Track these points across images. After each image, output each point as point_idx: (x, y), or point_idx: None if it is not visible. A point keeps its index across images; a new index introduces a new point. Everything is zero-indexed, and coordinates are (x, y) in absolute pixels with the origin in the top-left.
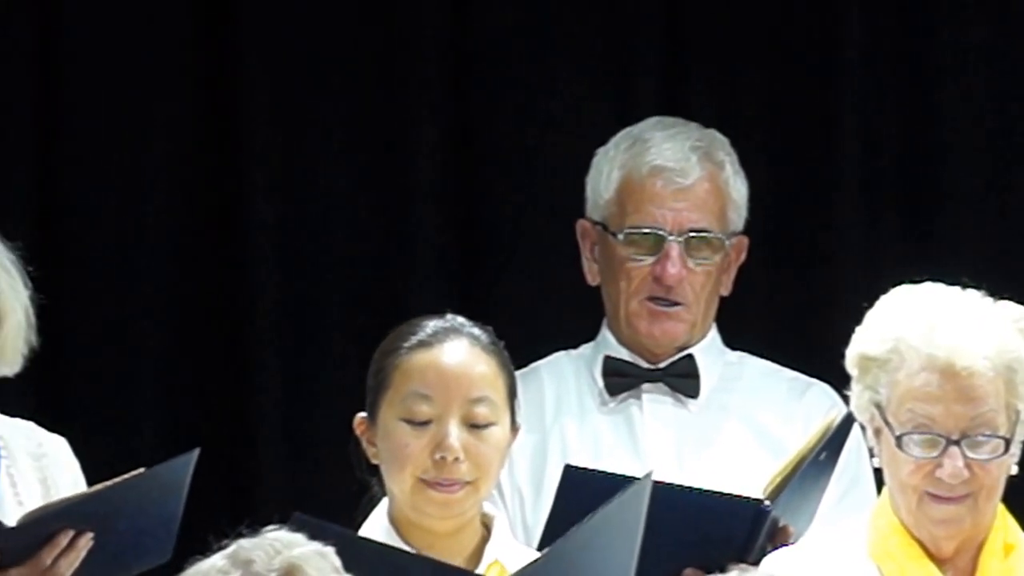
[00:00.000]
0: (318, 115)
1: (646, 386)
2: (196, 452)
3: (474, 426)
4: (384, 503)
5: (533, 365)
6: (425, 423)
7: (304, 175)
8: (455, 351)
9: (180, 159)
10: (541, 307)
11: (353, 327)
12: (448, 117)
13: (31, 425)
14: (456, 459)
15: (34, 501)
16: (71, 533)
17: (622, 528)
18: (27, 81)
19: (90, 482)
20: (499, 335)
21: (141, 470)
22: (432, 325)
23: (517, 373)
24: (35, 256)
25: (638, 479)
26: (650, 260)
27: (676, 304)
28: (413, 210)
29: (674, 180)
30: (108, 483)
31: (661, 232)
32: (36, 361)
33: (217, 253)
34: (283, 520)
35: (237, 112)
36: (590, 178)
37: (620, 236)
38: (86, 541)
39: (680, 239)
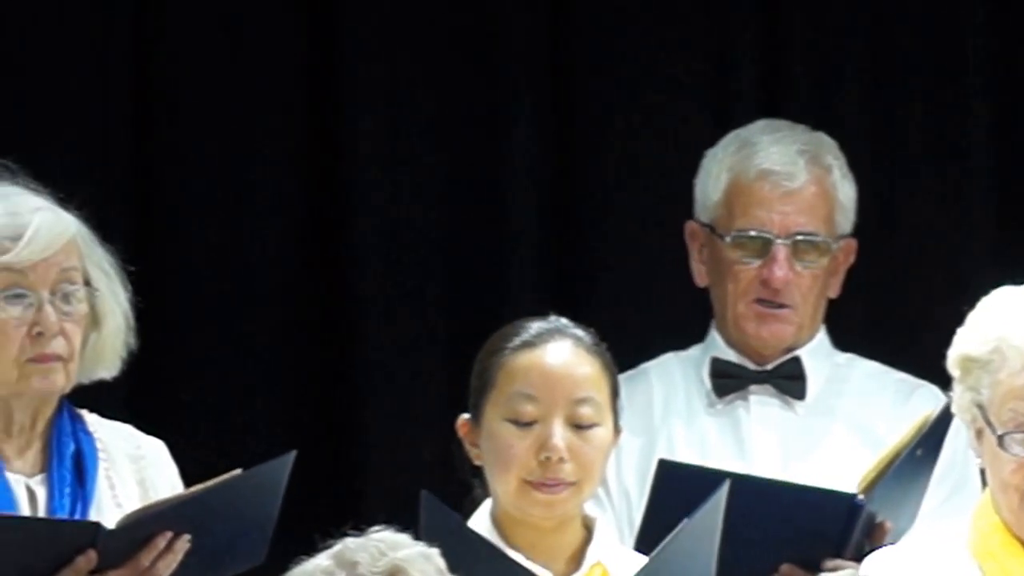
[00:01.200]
0: (418, 115)
1: (753, 388)
2: (293, 454)
3: (578, 427)
4: (487, 504)
5: (642, 366)
6: (529, 423)
7: (405, 177)
8: (559, 351)
9: (282, 159)
10: (650, 308)
11: (455, 329)
12: (551, 117)
13: (130, 428)
14: (560, 459)
15: (132, 503)
16: (169, 535)
17: (708, 532)
18: (126, 82)
19: (188, 486)
20: (606, 336)
21: (238, 471)
22: (536, 326)
23: (625, 374)
24: (135, 258)
25: (732, 474)
26: (757, 263)
27: (783, 306)
28: (517, 212)
29: (781, 184)
30: (205, 485)
31: (768, 235)
32: (136, 364)
33: (319, 254)
34: (388, 521)
35: (339, 111)
36: (698, 180)
37: (728, 239)
38: (183, 543)
39: (787, 242)
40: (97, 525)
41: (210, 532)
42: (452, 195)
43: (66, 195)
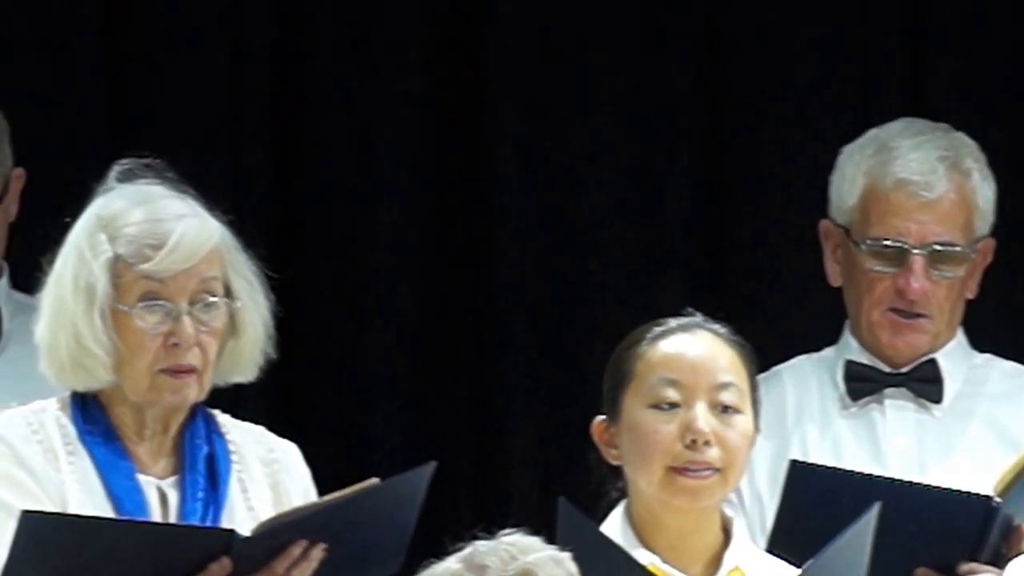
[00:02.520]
0: (563, 119)
1: (888, 391)
2: (433, 465)
3: (722, 411)
4: (621, 506)
5: (775, 369)
6: (673, 407)
7: (547, 180)
8: (699, 339)
9: (419, 165)
10: (782, 308)
11: (597, 330)
12: (694, 115)
13: (263, 431)
14: (706, 442)
15: (264, 507)
16: (304, 543)
17: (858, 549)
18: (265, 88)
19: (322, 491)
20: (744, 334)
21: (375, 480)
22: (673, 321)
23: (758, 377)
24: (274, 266)
25: (865, 476)
26: (893, 271)
27: (919, 316)
28: (659, 212)
29: (920, 194)
30: (343, 493)
31: (905, 245)
32: (272, 368)
33: (457, 259)
34: (518, 524)
35: (482, 111)
36: (834, 179)
37: (863, 246)
38: (319, 552)
39: (924, 252)
40: (232, 532)
41: (346, 541)
42: (595, 197)
43: (210, 201)
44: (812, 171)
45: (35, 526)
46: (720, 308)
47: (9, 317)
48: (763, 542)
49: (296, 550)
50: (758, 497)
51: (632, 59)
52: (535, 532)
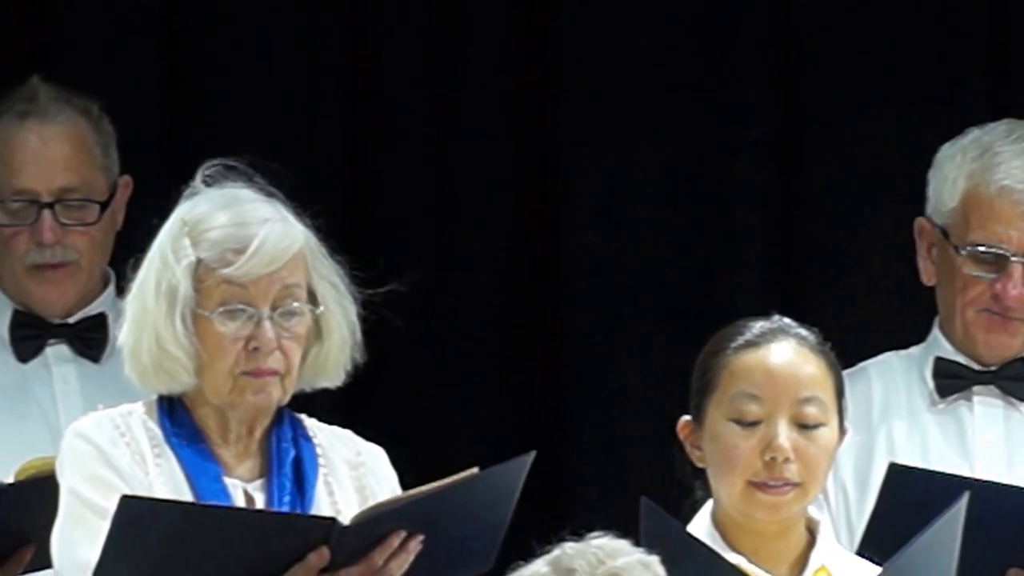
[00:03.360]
0: (635, 117)
1: (977, 388)
2: (532, 455)
3: (803, 426)
4: (707, 507)
5: (861, 364)
6: (754, 423)
7: (623, 181)
8: (783, 351)
9: (496, 167)
10: (870, 304)
11: (674, 329)
12: (773, 105)
13: (349, 434)
14: (786, 460)
15: (351, 510)
16: (403, 534)
17: (946, 544)
18: (340, 94)
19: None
20: (825, 332)
21: (475, 470)
22: (759, 326)
23: (844, 372)
24: (359, 271)
25: (963, 478)
26: (991, 277)
27: (1015, 319)
28: (737, 212)
29: (1023, 202)
30: (442, 483)
31: (1004, 252)
32: (356, 374)
33: (532, 259)
34: (605, 527)
35: (552, 114)
36: (933, 177)
37: (963, 252)
38: (417, 543)
39: (1023, 260)
40: (333, 521)
41: (443, 533)
42: (671, 196)
43: (297, 205)
44: (893, 166)
45: (134, 511)
46: (806, 307)
47: (115, 324)
48: (847, 538)
49: (395, 540)
50: (843, 492)
51: (703, 67)
52: (622, 535)
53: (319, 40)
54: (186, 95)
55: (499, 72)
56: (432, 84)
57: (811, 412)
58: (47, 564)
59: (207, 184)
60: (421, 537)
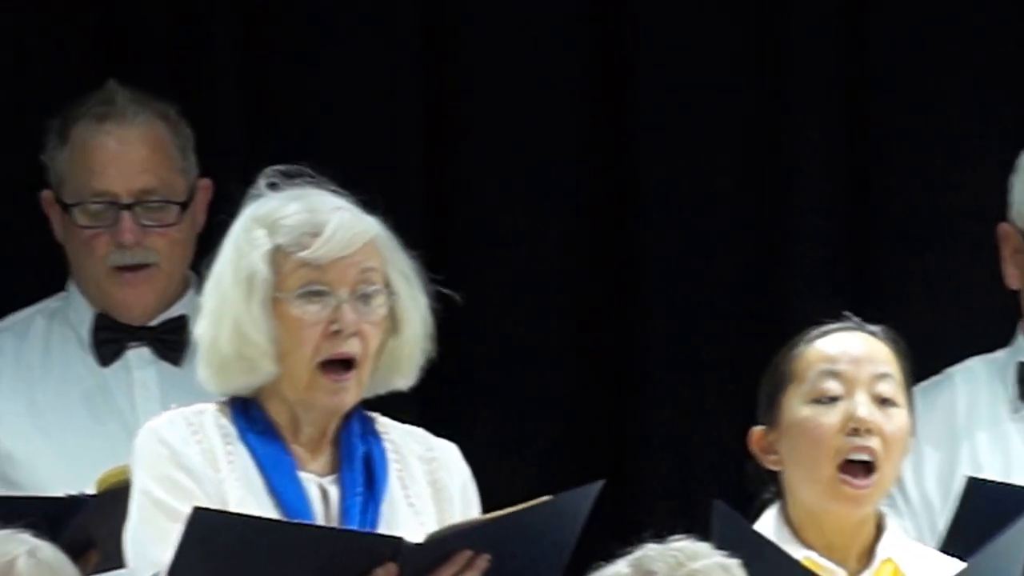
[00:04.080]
0: (704, 121)
1: None
2: (600, 484)
3: (882, 402)
4: (774, 508)
5: (947, 371)
6: (834, 399)
7: (695, 184)
8: (856, 336)
9: (572, 166)
10: (952, 308)
11: (741, 339)
12: (844, 115)
13: (423, 432)
14: (868, 430)
15: (425, 504)
16: (470, 554)
17: (1014, 552)
18: (419, 93)
19: (481, 495)
20: (911, 342)
21: (547, 498)
22: (829, 324)
23: (930, 381)
24: (432, 268)
25: None
26: None
27: None
28: (811, 218)
29: None
30: (515, 508)
31: None
32: (431, 374)
33: (604, 265)
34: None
35: (626, 119)
36: (1016, 183)
37: None
38: (483, 562)
39: None
40: (399, 540)
41: (508, 556)
42: (745, 208)
43: (367, 200)
44: (977, 173)
45: (205, 523)
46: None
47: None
48: (933, 543)
49: (461, 559)
50: (926, 501)
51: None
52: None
53: (397, 41)
54: (266, 99)
55: (575, 80)
56: (509, 90)
57: (888, 389)
58: (112, 567)
59: (271, 189)
60: (487, 557)
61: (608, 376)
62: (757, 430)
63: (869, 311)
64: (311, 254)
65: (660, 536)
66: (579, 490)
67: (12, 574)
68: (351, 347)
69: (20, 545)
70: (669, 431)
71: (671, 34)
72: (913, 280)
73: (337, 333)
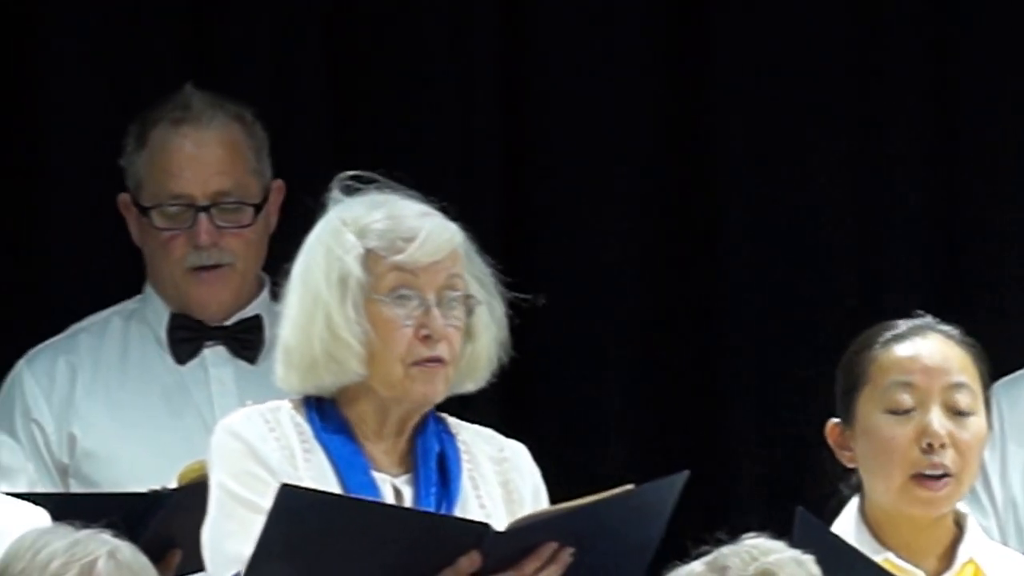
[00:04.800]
0: (791, 115)
1: None
2: (685, 475)
3: (956, 413)
4: (853, 504)
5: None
6: (907, 412)
7: (777, 187)
8: (931, 341)
9: (647, 169)
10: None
11: (828, 334)
12: (930, 117)
13: (492, 432)
14: (942, 445)
15: (496, 504)
16: (555, 546)
17: None
18: (493, 97)
19: (551, 494)
20: (991, 339)
21: (630, 487)
22: (904, 323)
23: (1011, 377)
24: (507, 272)
25: None
26: None
27: None
28: (892, 212)
29: None
30: (596, 497)
31: None
32: (503, 375)
33: (684, 258)
34: (761, 527)
35: (709, 112)
36: None
37: None
38: (567, 555)
39: None
40: (486, 526)
41: (592, 549)
42: (828, 205)
43: (443, 205)
44: None
45: (293, 500)
46: (955, 309)
47: (270, 327)
48: (1019, 545)
49: (546, 551)
50: (1012, 502)
51: (860, 59)
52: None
53: (473, 41)
54: (348, 102)
55: (652, 75)
56: (585, 88)
57: (963, 399)
58: (194, 569)
59: (347, 194)
60: (571, 550)
61: (691, 376)
62: (833, 424)
63: (958, 306)
64: (405, 258)
65: (736, 535)
66: (664, 480)
67: (92, 574)
68: (441, 351)
69: (101, 545)
70: (751, 432)
71: (754, 31)
72: (1002, 275)
73: (428, 337)
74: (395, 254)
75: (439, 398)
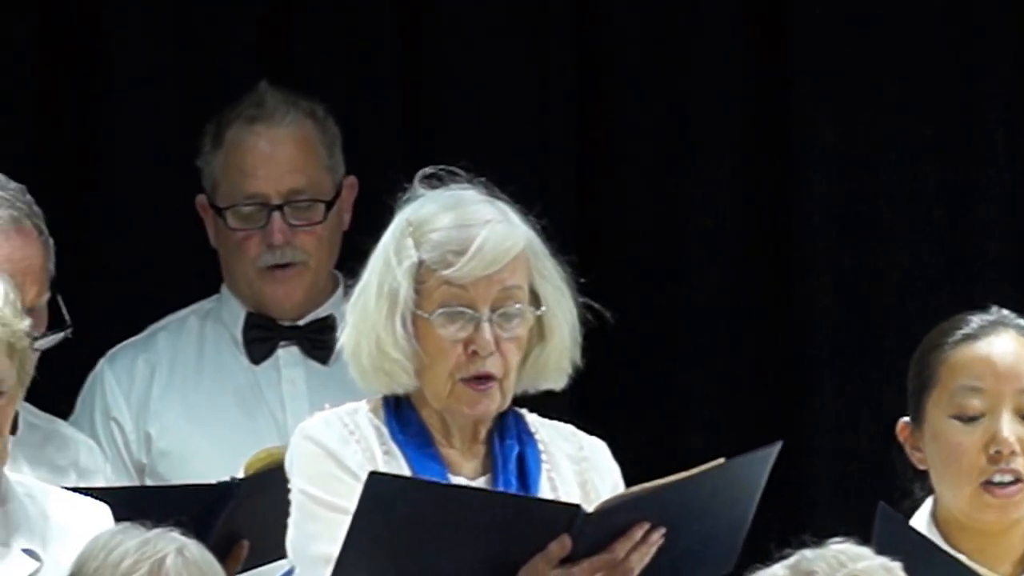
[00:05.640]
0: (872, 118)
1: None
2: (778, 445)
3: None
4: (926, 506)
5: None
6: (976, 418)
7: (861, 182)
8: (1003, 342)
9: (730, 169)
10: None
11: (908, 331)
12: (1007, 107)
13: (572, 429)
14: (1012, 452)
15: None
16: (646, 526)
17: None
18: (569, 97)
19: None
20: None
21: (721, 460)
22: (976, 319)
23: None
24: (589, 272)
25: None
26: None
27: None
28: (970, 206)
29: None
30: (688, 473)
31: None
32: (589, 372)
33: (767, 253)
34: (848, 532)
35: (792, 113)
36: None
37: None
38: (658, 536)
39: None
40: (578, 507)
41: (684, 529)
42: (910, 200)
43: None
44: None
45: (383, 487)
46: None
47: (343, 326)
48: None
49: (638, 532)
50: None
51: (941, 57)
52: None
53: (549, 43)
54: (421, 101)
55: (732, 72)
56: (663, 86)
57: None
58: (262, 562)
59: (425, 188)
60: (663, 530)
61: (771, 375)
62: (903, 423)
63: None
64: (454, 273)
65: (819, 538)
66: (755, 453)
67: (161, 572)
68: (490, 366)
69: (169, 543)
70: (834, 429)
71: (837, 21)
72: None
73: (476, 353)
74: (445, 268)
75: (492, 414)
